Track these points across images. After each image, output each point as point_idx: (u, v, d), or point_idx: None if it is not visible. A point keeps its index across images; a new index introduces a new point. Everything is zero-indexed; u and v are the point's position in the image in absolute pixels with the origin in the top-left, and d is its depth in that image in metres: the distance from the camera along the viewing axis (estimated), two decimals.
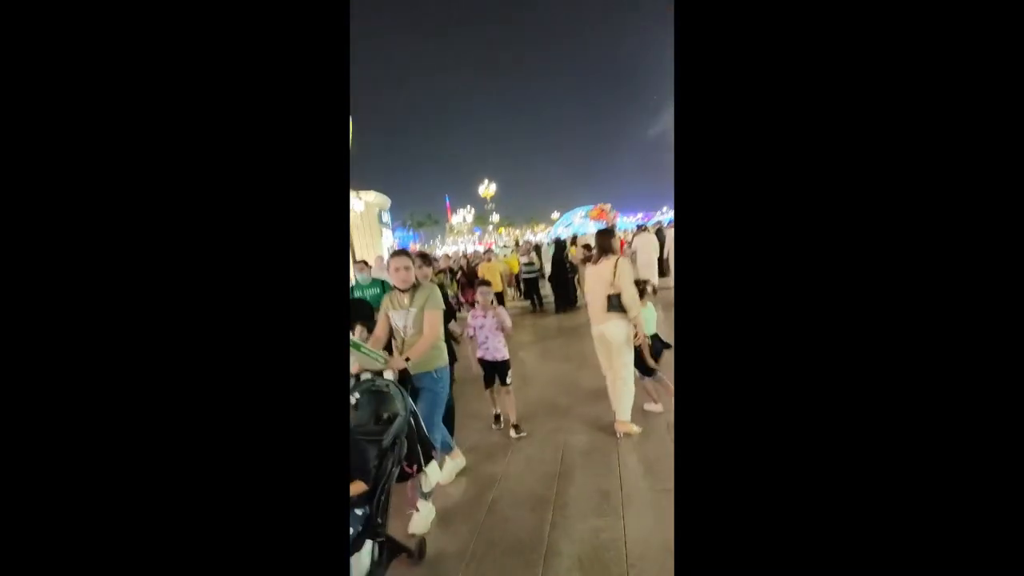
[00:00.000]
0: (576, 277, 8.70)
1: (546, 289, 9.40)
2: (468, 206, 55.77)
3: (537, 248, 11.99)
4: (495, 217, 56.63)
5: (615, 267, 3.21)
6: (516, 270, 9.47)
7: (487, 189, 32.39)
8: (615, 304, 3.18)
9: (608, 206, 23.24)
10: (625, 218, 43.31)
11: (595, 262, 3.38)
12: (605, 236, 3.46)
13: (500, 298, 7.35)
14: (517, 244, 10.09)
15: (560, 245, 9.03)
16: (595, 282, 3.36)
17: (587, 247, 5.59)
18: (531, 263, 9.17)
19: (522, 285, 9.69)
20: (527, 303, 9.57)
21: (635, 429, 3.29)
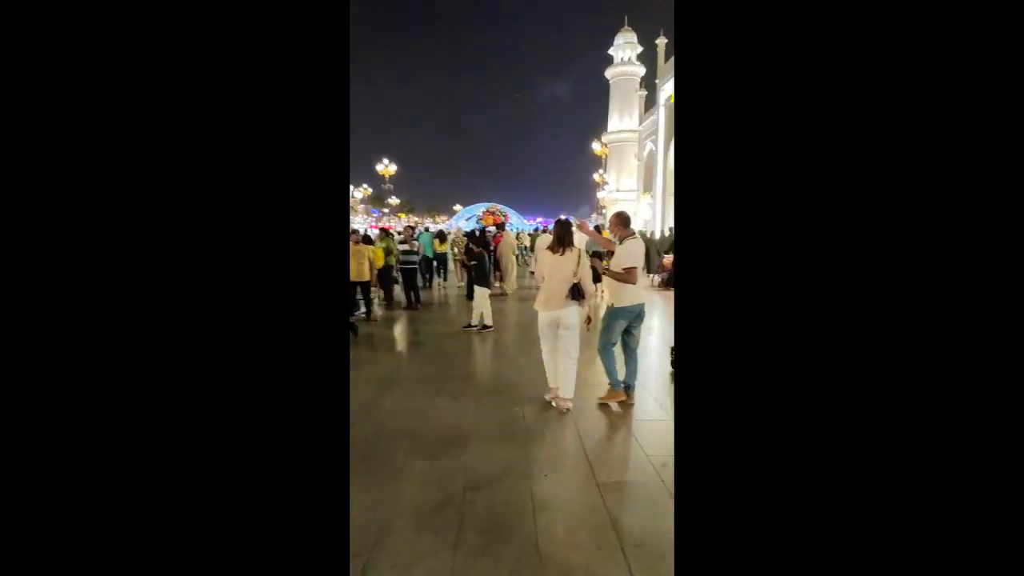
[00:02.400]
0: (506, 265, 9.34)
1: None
2: (364, 184, 53.13)
3: (441, 234, 11.76)
4: (393, 199, 54.79)
5: (579, 258, 3.54)
6: (381, 263, 7.80)
7: (386, 168, 30.93)
8: (575, 292, 3.55)
9: (499, 207, 23.97)
10: (527, 220, 45.05)
11: (562, 253, 3.58)
12: (567, 228, 3.70)
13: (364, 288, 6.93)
14: (412, 230, 9.60)
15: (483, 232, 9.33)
16: (558, 271, 3.57)
17: (597, 255, 5.42)
18: (410, 251, 8.63)
19: (399, 277, 8.96)
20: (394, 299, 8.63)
21: (570, 405, 3.70)
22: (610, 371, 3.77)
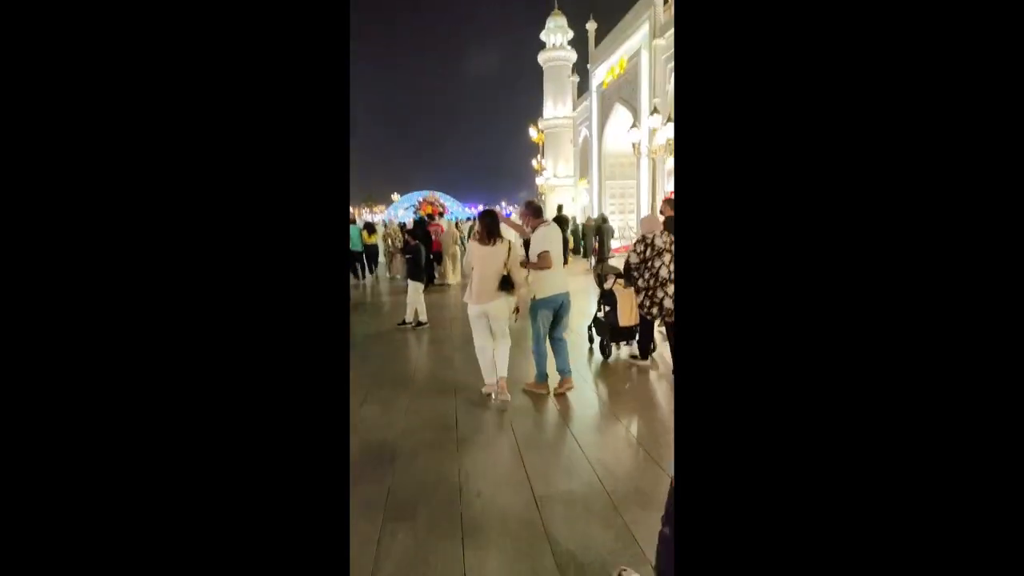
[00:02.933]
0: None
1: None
2: None
3: (369, 225, 11.30)
4: None
5: (509, 250, 3.52)
6: None
7: None
8: (505, 284, 3.53)
9: (436, 196, 23.49)
10: (467, 208, 44.33)
11: (490, 244, 3.50)
12: (495, 218, 3.63)
13: None
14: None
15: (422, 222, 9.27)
16: (489, 263, 3.49)
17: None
18: None
19: None
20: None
21: (507, 396, 3.69)
22: (538, 363, 3.75)
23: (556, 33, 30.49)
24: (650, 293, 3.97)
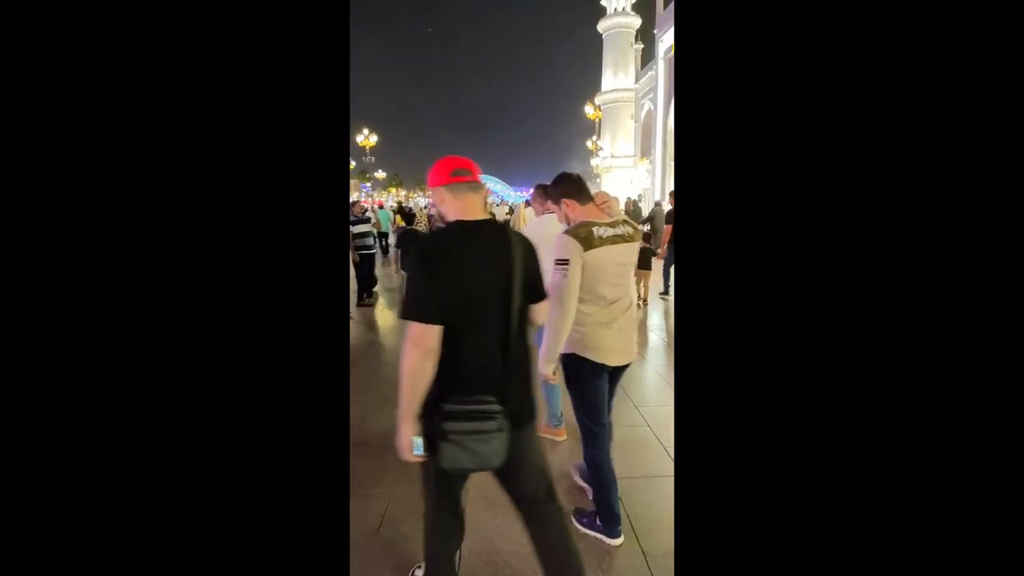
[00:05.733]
0: None
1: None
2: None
3: (401, 209, 10.38)
4: (380, 173, 52.34)
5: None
6: None
7: (367, 139, 28.38)
8: None
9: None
10: (517, 192, 42.52)
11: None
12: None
13: None
14: (401, 206, 8.00)
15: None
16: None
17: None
18: (365, 232, 6.54)
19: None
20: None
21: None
22: (548, 401, 2.66)
23: None
24: None
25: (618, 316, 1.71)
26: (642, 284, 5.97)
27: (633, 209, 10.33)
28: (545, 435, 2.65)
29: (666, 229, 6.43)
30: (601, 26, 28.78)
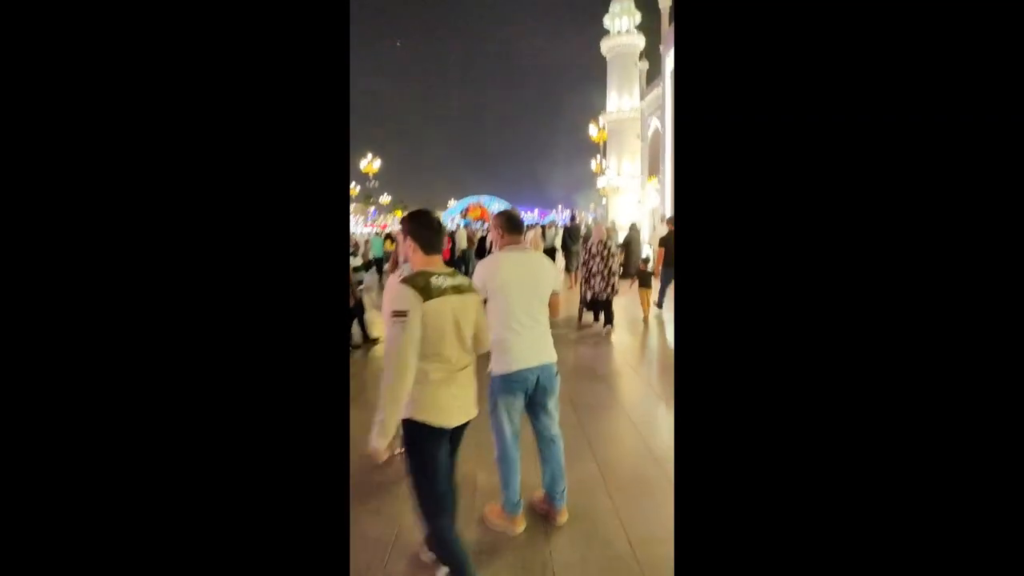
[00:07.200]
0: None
1: None
2: (352, 182, 50.80)
3: (390, 236, 9.98)
4: (385, 198, 52.41)
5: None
6: None
7: (369, 164, 28.16)
8: None
9: (479, 201, 21.47)
10: (527, 213, 42.05)
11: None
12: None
13: None
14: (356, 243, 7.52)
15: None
16: None
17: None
18: (364, 265, 6.17)
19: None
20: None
21: None
22: (504, 479, 2.13)
23: (622, 17, 27.56)
24: (586, 278, 5.95)
25: (456, 372, 1.61)
26: (643, 302, 6.55)
27: (636, 236, 9.66)
28: (496, 523, 2.14)
29: (659, 252, 6.81)
30: (605, 46, 28.58)
